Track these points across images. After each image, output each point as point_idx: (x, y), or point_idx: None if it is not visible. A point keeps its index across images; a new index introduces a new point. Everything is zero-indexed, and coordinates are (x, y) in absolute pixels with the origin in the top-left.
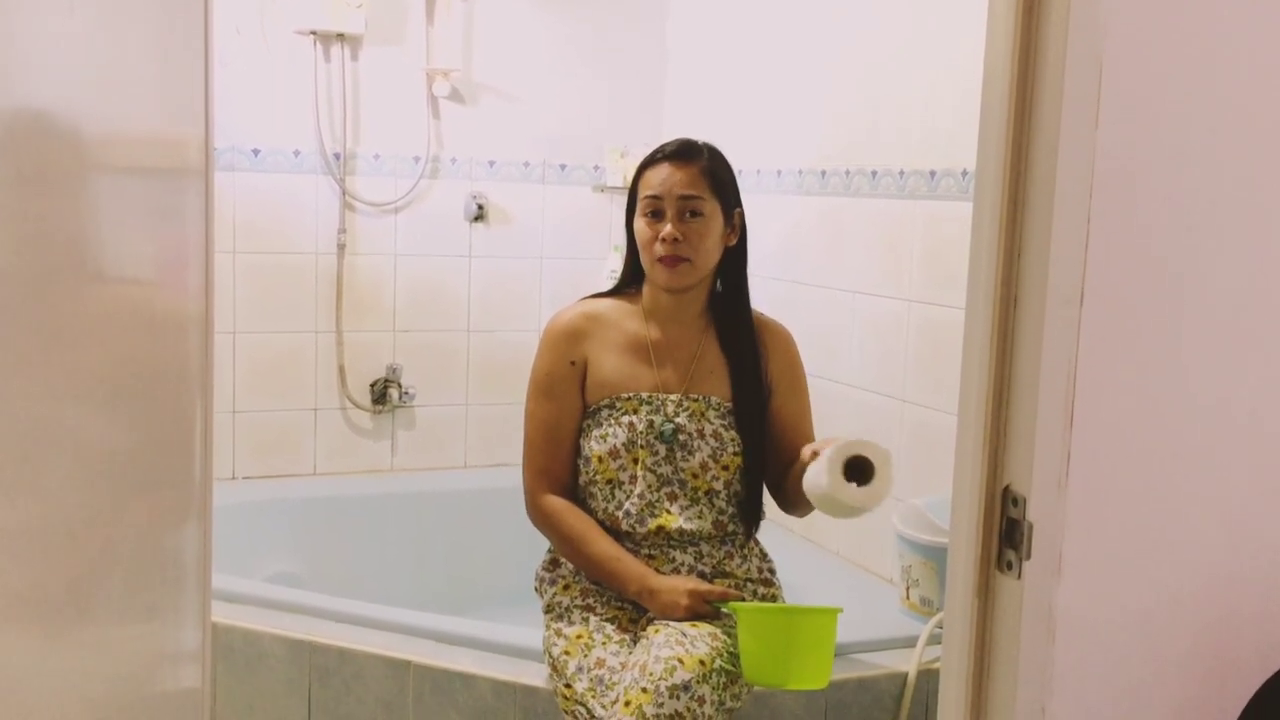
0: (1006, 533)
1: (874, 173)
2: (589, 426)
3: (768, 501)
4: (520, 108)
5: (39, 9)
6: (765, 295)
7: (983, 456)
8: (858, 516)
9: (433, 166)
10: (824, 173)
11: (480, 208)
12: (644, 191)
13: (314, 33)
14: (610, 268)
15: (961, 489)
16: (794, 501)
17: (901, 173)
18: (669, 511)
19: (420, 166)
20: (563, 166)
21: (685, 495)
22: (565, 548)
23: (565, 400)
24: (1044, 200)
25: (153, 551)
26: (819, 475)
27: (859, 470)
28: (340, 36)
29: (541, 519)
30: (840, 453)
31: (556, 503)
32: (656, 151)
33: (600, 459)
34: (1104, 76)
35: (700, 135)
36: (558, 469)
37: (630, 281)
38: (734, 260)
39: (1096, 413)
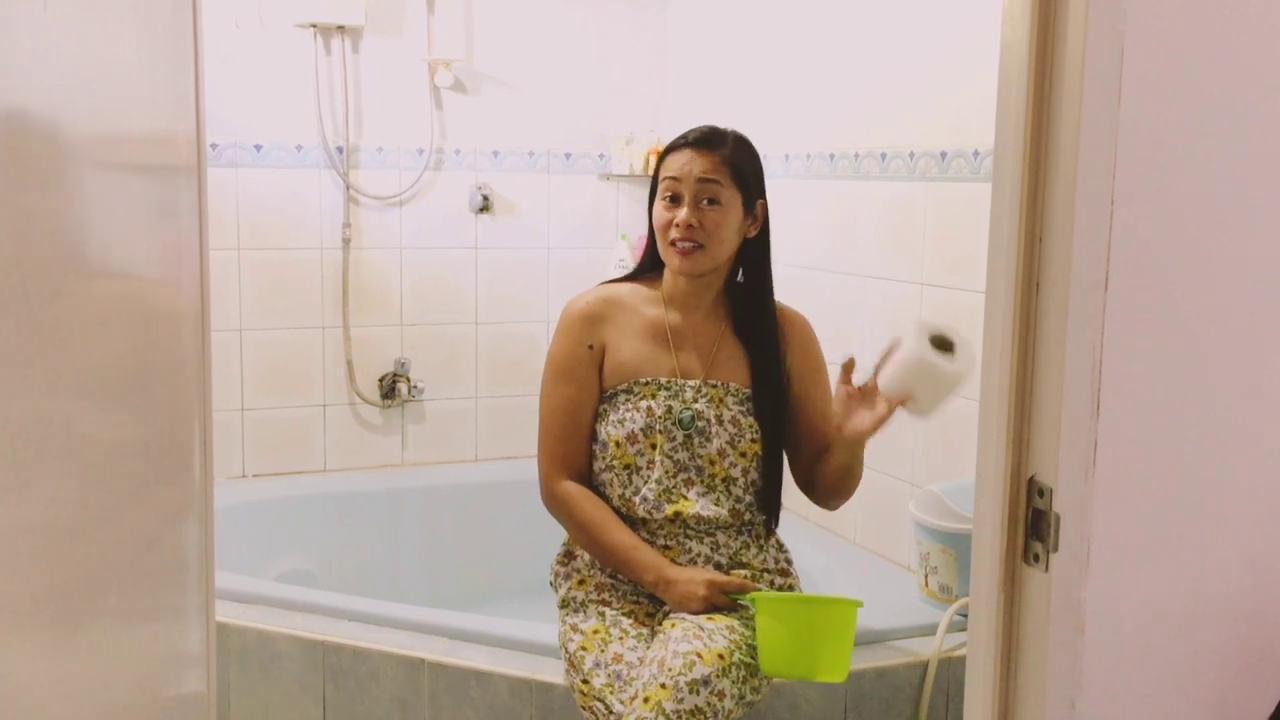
0: (1032, 525)
1: (883, 155)
2: (605, 411)
3: (788, 491)
4: (523, 97)
5: (18, 6)
6: (777, 281)
7: (1006, 447)
8: (949, 391)
9: (436, 158)
10: (832, 156)
11: (485, 199)
12: (663, 175)
13: (314, 25)
14: (618, 257)
15: (985, 480)
16: (830, 490)
17: (912, 154)
18: (686, 498)
19: (424, 158)
20: (567, 155)
21: (702, 482)
22: (581, 535)
23: (583, 384)
24: (1066, 181)
25: (153, 553)
26: (911, 351)
27: (943, 346)
28: (340, 28)
29: (557, 505)
30: (923, 329)
31: (573, 489)
32: (680, 137)
33: (618, 444)
34: (1126, 51)
35: (704, 121)
36: (574, 455)
37: (650, 267)
38: (756, 251)
39: (1124, 400)
